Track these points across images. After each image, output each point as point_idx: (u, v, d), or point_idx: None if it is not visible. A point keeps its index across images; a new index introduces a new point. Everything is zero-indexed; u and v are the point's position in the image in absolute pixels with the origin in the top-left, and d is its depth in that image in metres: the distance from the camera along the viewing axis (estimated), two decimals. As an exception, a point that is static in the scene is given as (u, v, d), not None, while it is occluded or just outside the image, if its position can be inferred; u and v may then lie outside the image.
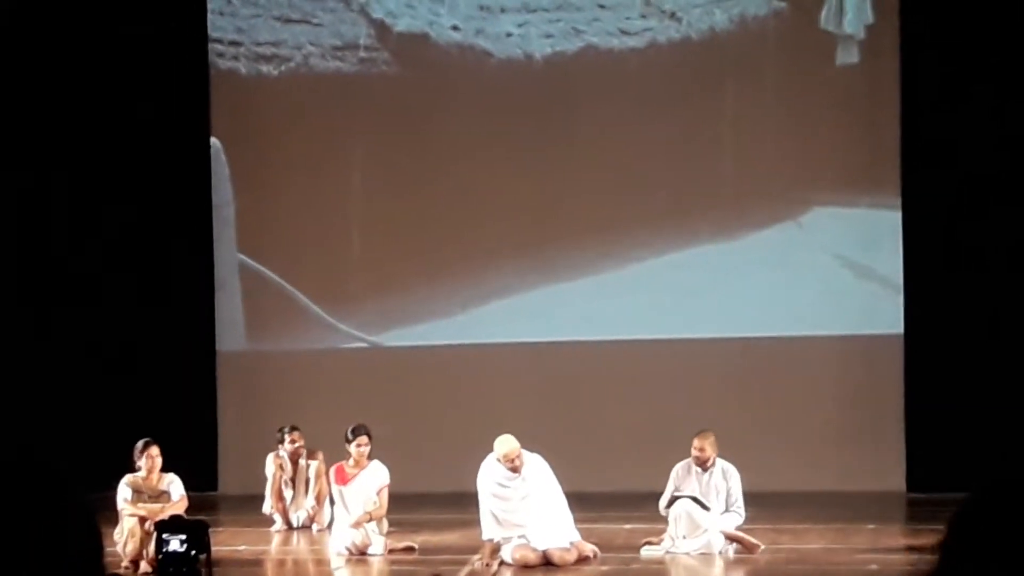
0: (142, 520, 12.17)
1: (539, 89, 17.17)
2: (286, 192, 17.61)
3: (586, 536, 12.44)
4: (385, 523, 13.15)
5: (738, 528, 12.56)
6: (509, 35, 17.33)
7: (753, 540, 12.44)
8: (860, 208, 16.65)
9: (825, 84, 16.73)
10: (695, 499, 12.46)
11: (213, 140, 17.66)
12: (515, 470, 12.09)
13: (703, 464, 12.57)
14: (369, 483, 12.97)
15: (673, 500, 12.53)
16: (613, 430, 16.72)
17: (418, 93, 17.37)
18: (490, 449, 12.23)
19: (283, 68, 17.68)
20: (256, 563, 13.25)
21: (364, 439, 13.01)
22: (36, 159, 17.36)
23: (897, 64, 16.40)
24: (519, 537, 12.08)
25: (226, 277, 17.74)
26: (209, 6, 17.68)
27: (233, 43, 17.74)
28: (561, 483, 12.28)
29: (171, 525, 11.50)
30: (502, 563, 12.09)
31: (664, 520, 12.60)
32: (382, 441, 13.50)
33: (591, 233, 16.97)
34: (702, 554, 12.35)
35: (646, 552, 12.53)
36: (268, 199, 17.65)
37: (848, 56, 16.72)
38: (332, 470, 13.24)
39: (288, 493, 14.61)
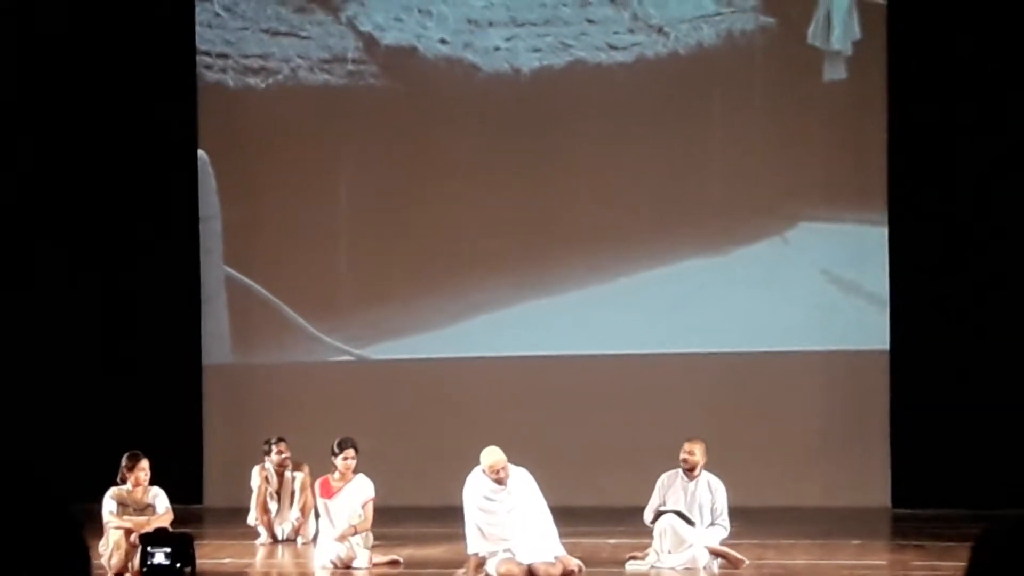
0: (127, 533, 12.15)
1: (527, 103, 17.18)
2: (273, 205, 17.60)
3: (571, 550, 12.41)
4: (370, 536, 13.13)
5: (723, 542, 12.55)
6: (497, 49, 17.34)
7: (738, 555, 12.43)
8: (847, 223, 16.67)
9: (812, 100, 16.76)
10: (680, 514, 12.46)
11: (200, 152, 17.65)
12: (500, 482, 12.06)
13: (690, 470, 12.55)
14: (354, 496, 12.95)
15: (658, 515, 12.52)
16: (599, 444, 16.72)
17: (406, 106, 17.38)
18: (476, 463, 12.21)
19: (271, 81, 17.68)
20: (241, 576, 13.24)
21: (351, 452, 13.00)
22: (22, 170, 17.34)
23: (884, 80, 16.43)
24: (504, 551, 12.05)
25: (213, 290, 17.72)
26: (197, 18, 17.67)
27: (221, 55, 17.73)
28: (546, 497, 12.25)
29: (156, 538, 11.50)
30: (487, 577, 12.08)
31: (649, 534, 12.59)
32: (368, 454, 13.48)
33: (578, 247, 16.99)
34: (687, 569, 12.34)
35: (631, 567, 12.52)
36: (255, 212, 17.65)
37: (835, 72, 16.75)
38: (317, 483, 13.21)
39: (273, 506, 14.58)
